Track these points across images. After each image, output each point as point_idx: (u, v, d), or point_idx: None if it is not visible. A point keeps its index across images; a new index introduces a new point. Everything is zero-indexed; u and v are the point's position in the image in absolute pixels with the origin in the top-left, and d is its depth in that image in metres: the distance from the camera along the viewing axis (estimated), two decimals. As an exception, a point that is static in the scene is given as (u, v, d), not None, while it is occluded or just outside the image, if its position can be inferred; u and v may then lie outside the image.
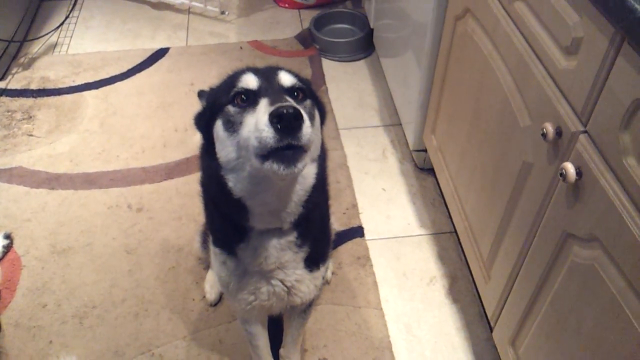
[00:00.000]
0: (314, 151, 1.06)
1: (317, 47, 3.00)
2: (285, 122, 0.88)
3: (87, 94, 2.75)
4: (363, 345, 1.78)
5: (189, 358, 1.76)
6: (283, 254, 1.17)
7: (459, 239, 1.96)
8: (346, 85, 2.81)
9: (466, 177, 1.77)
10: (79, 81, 2.82)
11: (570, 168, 1.08)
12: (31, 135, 2.53)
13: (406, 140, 2.40)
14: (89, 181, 2.32)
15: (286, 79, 1.04)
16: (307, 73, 2.85)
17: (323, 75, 2.85)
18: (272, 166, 0.91)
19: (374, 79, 2.85)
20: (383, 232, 2.13)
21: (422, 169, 2.36)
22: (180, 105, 2.67)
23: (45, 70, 2.89)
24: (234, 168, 1.02)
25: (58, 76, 2.85)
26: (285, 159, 0.90)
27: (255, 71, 1.05)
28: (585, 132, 1.09)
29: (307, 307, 1.52)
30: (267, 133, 0.88)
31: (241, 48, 3.03)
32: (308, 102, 1.06)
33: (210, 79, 2.81)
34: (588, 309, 1.10)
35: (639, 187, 0.93)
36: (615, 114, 0.98)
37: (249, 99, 1.00)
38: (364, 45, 2.99)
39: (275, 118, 0.88)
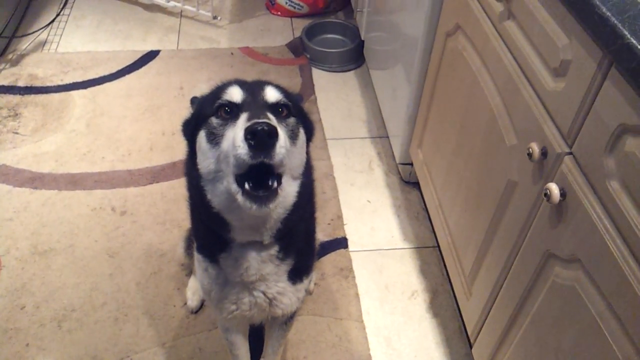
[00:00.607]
0: (296, 169, 1.05)
1: (308, 56, 3.01)
2: (259, 139, 0.88)
3: (74, 93, 2.73)
4: (343, 357, 1.78)
5: (167, 365, 1.74)
6: (264, 267, 1.17)
7: (441, 254, 1.97)
8: (335, 95, 2.82)
9: (451, 193, 1.78)
10: (67, 80, 2.80)
11: (554, 189, 1.09)
12: (16, 133, 2.50)
13: (393, 153, 2.41)
14: (74, 182, 2.29)
15: (271, 94, 1.03)
16: (297, 82, 2.85)
17: (313, 84, 2.86)
18: (245, 203, 0.93)
19: (363, 90, 2.86)
20: (367, 244, 2.13)
21: (407, 182, 2.36)
22: (168, 109, 2.66)
23: (34, 67, 2.86)
24: (212, 180, 1.03)
25: (46, 74, 2.82)
26: (258, 199, 0.92)
27: (242, 84, 1.05)
28: (571, 153, 1.10)
29: (289, 319, 1.51)
30: (241, 150, 0.89)
31: (232, 54, 3.02)
32: (291, 120, 1.05)
33: (200, 83, 2.80)
34: (568, 329, 1.11)
35: (622, 211, 0.94)
36: (601, 137, 0.99)
37: (232, 112, 1.00)
38: (355, 57, 3.00)
39: (250, 134, 0.88)
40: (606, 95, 0.98)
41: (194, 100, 1.16)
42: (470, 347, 1.64)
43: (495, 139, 1.41)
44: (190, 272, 1.95)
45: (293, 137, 1.04)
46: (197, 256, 1.30)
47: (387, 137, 2.51)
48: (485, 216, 1.49)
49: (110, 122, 2.58)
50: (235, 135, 0.91)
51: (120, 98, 2.71)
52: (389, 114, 2.46)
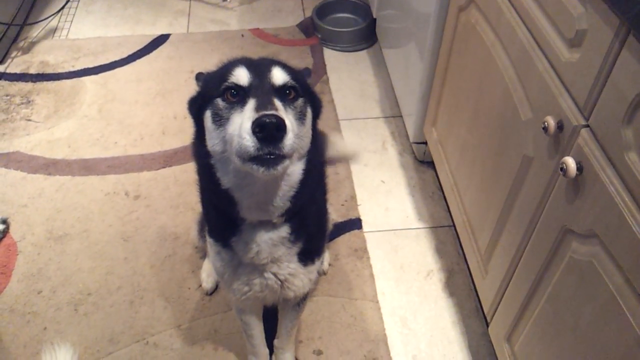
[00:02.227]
0: (302, 149, 1.04)
1: (319, 36, 2.97)
2: (267, 133, 0.87)
3: (86, 79, 2.73)
4: (358, 337, 1.77)
5: (183, 347, 1.75)
6: (275, 249, 1.17)
7: (457, 233, 1.95)
8: (347, 75, 2.78)
9: (466, 171, 1.76)
10: (79, 66, 2.80)
11: (571, 163, 1.07)
12: (29, 120, 2.51)
13: (406, 132, 2.38)
14: (87, 167, 2.30)
15: (278, 76, 1.01)
16: (308, 62, 2.82)
17: (324, 65, 2.83)
18: (251, 167, 0.92)
19: (375, 69, 2.82)
20: (381, 225, 2.12)
21: (421, 161, 2.34)
22: (179, 93, 2.65)
23: (45, 54, 2.86)
24: (220, 159, 1.02)
25: (57, 61, 2.83)
26: (265, 162, 0.91)
27: (249, 65, 1.02)
28: (587, 126, 1.07)
29: (301, 300, 1.51)
30: (248, 142, 0.89)
31: (242, 36, 3.00)
32: (299, 102, 1.04)
33: (211, 66, 2.76)
34: (585, 306, 1.09)
35: (640, 183, 0.91)
36: (618, 109, 0.96)
37: (239, 95, 0.98)
38: (367, 36, 2.96)
39: (258, 127, 0.87)
40: (623, 65, 0.95)
41: (199, 77, 1.14)
42: (487, 325, 1.62)
43: (510, 114, 1.38)
44: (204, 254, 1.95)
45: (301, 118, 1.03)
46: (209, 240, 1.30)
47: (401, 116, 2.48)
48: (501, 193, 1.46)
49: (122, 107, 2.58)
50: (242, 125, 0.91)
51: (131, 83, 2.71)
52: (402, 92, 2.42)
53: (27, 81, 2.70)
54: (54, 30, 3.04)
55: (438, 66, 1.95)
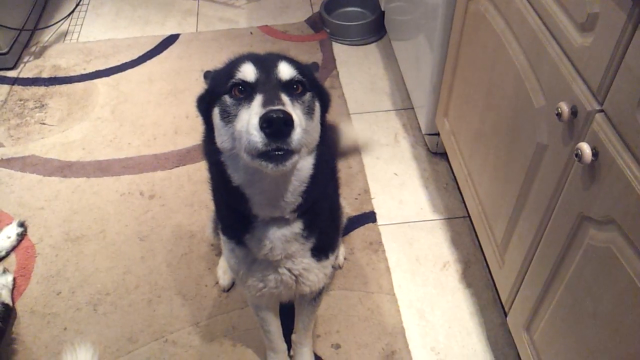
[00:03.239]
0: (310, 144, 1.04)
1: (328, 31, 2.97)
2: (275, 128, 0.87)
3: (98, 81, 2.75)
4: (376, 330, 1.77)
5: (202, 344, 1.76)
6: (289, 245, 1.17)
7: (472, 224, 1.94)
8: (357, 69, 2.78)
9: (479, 161, 1.75)
10: (90, 69, 2.82)
11: (586, 148, 1.06)
12: (43, 123, 2.54)
13: (418, 124, 2.37)
14: (101, 169, 2.32)
15: (285, 71, 1.01)
16: (317, 58, 2.82)
17: (334, 59, 2.82)
18: (260, 163, 0.92)
19: (385, 62, 2.81)
20: (395, 217, 2.11)
21: (434, 153, 2.33)
22: (191, 92, 2.65)
23: (57, 58, 2.89)
24: (231, 156, 1.02)
25: (69, 64, 2.85)
26: (274, 159, 0.91)
27: (255, 61, 1.02)
28: (602, 111, 1.05)
29: (317, 295, 1.51)
30: (256, 137, 0.88)
31: (251, 33, 3.00)
32: (307, 96, 1.03)
33: (221, 64, 2.78)
34: (605, 293, 1.08)
35: (658, 167, 0.90)
36: (633, 92, 0.95)
37: (246, 91, 0.98)
38: (375, 29, 2.95)
39: (265, 123, 0.87)
40: (637, 48, 0.93)
41: (207, 75, 1.14)
42: (505, 315, 1.62)
43: (523, 102, 1.37)
44: (220, 251, 1.96)
45: (309, 112, 1.02)
46: (222, 237, 1.30)
47: (412, 108, 2.47)
48: (516, 182, 1.45)
49: (134, 108, 2.60)
50: (249, 121, 0.91)
51: (143, 84, 2.72)
52: (413, 84, 2.41)
53: (40, 85, 2.72)
54: (64, 34, 3.06)
55: (448, 57, 1.94)
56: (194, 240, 2.04)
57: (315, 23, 3.03)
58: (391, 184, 2.23)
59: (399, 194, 2.19)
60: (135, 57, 2.88)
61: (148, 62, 2.85)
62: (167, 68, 2.81)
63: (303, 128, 0.93)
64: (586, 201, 1.11)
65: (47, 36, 3.03)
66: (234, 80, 0.99)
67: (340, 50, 2.89)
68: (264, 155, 0.91)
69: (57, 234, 2.08)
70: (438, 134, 2.22)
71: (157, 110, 2.58)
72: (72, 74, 2.79)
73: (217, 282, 1.90)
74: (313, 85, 1.06)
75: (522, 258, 1.45)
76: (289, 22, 3.09)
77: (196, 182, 2.24)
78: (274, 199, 1.07)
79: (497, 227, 1.64)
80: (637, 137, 0.95)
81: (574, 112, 1.12)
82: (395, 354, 1.71)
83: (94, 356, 1.68)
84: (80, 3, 3.23)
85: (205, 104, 1.07)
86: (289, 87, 1.00)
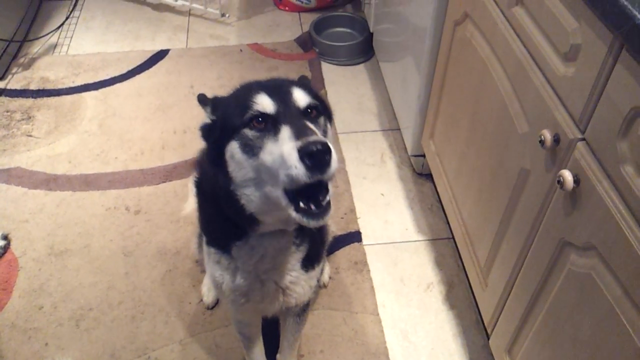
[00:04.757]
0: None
1: (317, 50, 3.00)
2: (316, 160, 0.88)
3: (86, 95, 2.74)
4: (359, 351, 1.77)
5: (184, 362, 1.75)
6: (280, 254, 1.18)
7: (456, 245, 1.96)
8: (345, 89, 2.80)
9: (464, 183, 1.77)
10: (79, 82, 2.81)
11: (567, 176, 1.08)
12: (30, 135, 2.52)
13: (405, 145, 2.39)
14: (87, 182, 2.31)
15: (301, 98, 1.01)
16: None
17: (322, 79, 2.85)
18: (300, 219, 0.94)
19: (373, 83, 2.84)
20: (381, 237, 2.12)
21: (420, 174, 2.35)
22: (179, 108, 2.66)
23: (45, 70, 2.88)
24: (247, 186, 1.02)
25: (58, 77, 2.84)
26: (312, 215, 0.93)
27: (268, 90, 1.01)
28: (584, 139, 1.08)
29: (302, 311, 1.52)
30: (299, 170, 0.88)
31: (241, 50, 3.02)
32: (321, 120, 1.04)
33: (210, 81, 2.81)
34: (585, 318, 1.10)
35: (637, 196, 0.92)
36: (614, 122, 0.97)
37: (267, 123, 0.98)
38: (364, 49, 2.98)
39: (306, 156, 0.87)
40: (618, 79, 0.96)
41: (203, 100, 1.12)
42: (488, 338, 1.63)
43: (507, 127, 1.39)
44: (204, 268, 1.94)
45: (324, 134, 1.04)
46: (207, 250, 1.29)
47: (399, 129, 2.50)
48: (499, 206, 1.47)
49: (122, 122, 2.60)
50: (284, 155, 0.90)
51: (131, 98, 2.73)
52: (399, 105, 2.44)
53: (27, 97, 2.71)
54: (54, 47, 3.06)
55: (435, 79, 1.97)
56: (179, 257, 2.04)
57: (305, 42, 3.06)
58: (377, 204, 2.25)
59: (384, 214, 2.21)
60: (124, 71, 2.89)
61: (137, 76, 2.86)
62: (156, 83, 2.81)
63: (337, 158, 0.93)
64: (567, 227, 1.13)
65: (36, 48, 3.03)
66: (252, 112, 0.98)
67: (328, 70, 2.92)
68: (302, 211, 0.93)
69: (41, 247, 2.07)
70: (424, 155, 2.24)
71: (145, 125, 2.58)
72: (61, 86, 2.79)
73: (201, 300, 1.89)
74: (323, 107, 1.07)
75: (504, 281, 1.46)
76: (278, 40, 3.12)
77: (182, 198, 2.23)
78: (285, 220, 1.07)
79: (480, 250, 1.65)
80: (616, 165, 0.97)
81: (556, 140, 1.14)
82: (378, 374, 1.72)
83: (74, 373, 1.68)
84: (71, 16, 3.23)
85: (216, 136, 1.05)
86: (306, 113, 1.01)
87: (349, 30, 3.11)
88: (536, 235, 1.27)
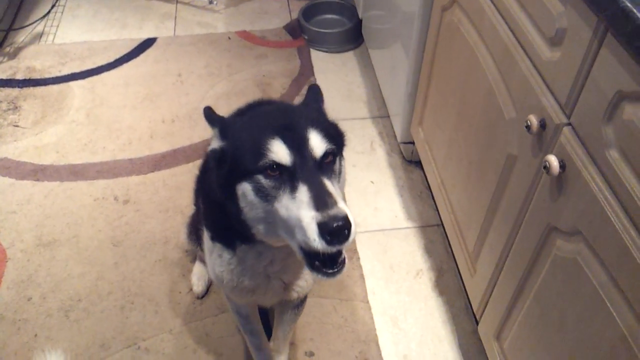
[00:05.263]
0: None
1: (306, 37, 2.98)
2: (336, 235, 0.88)
3: (73, 84, 2.72)
4: (349, 338, 1.78)
5: (175, 351, 1.75)
6: (289, 257, 1.16)
7: (445, 232, 1.96)
8: (335, 76, 2.79)
9: (452, 170, 1.77)
10: (66, 71, 2.79)
11: (553, 161, 1.08)
12: (17, 126, 2.50)
13: (394, 132, 2.39)
14: (75, 173, 2.29)
15: (317, 146, 0.98)
16: (295, 64, 2.83)
17: (312, 66, 2.83)
18: (316, 276, 0.97)
19: (362, 70, 2.83)
20: (370, 225, 2.12)
21: (409, 161, 2.35)
22: (167, 96, 2.64)
23: (32, 60, 2.85)
24: (260, 223, 1.02)
25: (44, 66, 2.81)
26: (328, 274, 0.95)
27: (284, 136, 0.97)
28: (569, 124, 1.08)
29: (301, 303, 1.52)
30: (317, 244, 0.89)
31: (229, 38, 3.00)
32: (337, 164, 1.02)
33: (198, 69, 2.79)
34: (571, 303, 1.10)
35: (622, 181, 0.92)
36: (599, 106, 0.97)
37: (282, 174, 0.96)
38: (353, 36, 2.97)
39: (327, 233, 0.88)
40: (603, 63, 0.96)
41: (210, 116, 1.08)
42: (477, 323, 1.63)
43: (494, 113, 1.39)
44: (194, 258, 1.95)
45: (339, 175, 1.03)
46: (209, 245, 1.26)
47: (388, 116, 2.49)
48: (487, 192, 1.47)
49: (109, 111, 2.57)
50: (305, 225, 0.90)
51: (118, 87, 2.70)
52: (389, 93, 2.43)
53: (13, 87, 2.69)
54: (40, 35, 3.03)
55: (423, 66, 1.96)
56: (168, 247, 2.03)
57: (294, 29, 3.04)
58: (367, 192, 2.25)
59: (374, 202, 2.21)
60: (111, 60, 2.86)
61: (124, 65, 2.83)
62: (143, 72, 2.79)
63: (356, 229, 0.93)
64: (554, 212, 1.13)
65: (22, 37, 2.99)
66: (267, 161, 0.95)
67: (318, 57, 2.90)
68: (317, 269, 0.95)
69: (29, 238, 2.05)
70: (413, 143, 2.24)
71: (133, 114, 2.56)
72: (47, 75, 2.76)
73: (191, 289, 1.89)
74: (337, 140, 1.05)
75: (492, 267, 1.47)
76: (267, 28, 3.09)
77: (171, 188, 2.23)
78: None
79: (469, 236, 1.66)
80: (602, 150, 0.97)
81: (542, 125, 1.14)
82: (368, 361, 1.73)
83: (64, 363, 1.67)
84: (57, 4, 3.19)
85: (226, 169, 1.03)
86: (322, 163, 0.98)
87: (338, 17, 3.09)
88: (523, 221, 1.27)
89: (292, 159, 0.95)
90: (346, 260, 0.97)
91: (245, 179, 0.98)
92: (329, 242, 0.88)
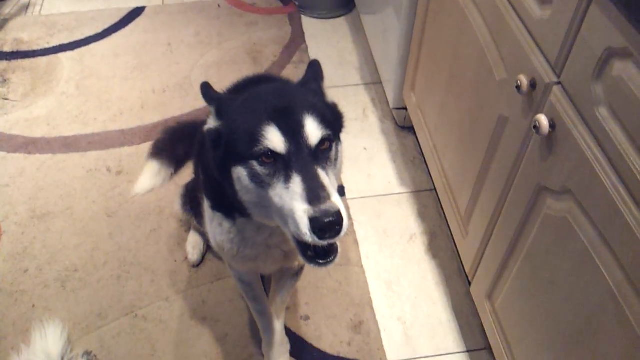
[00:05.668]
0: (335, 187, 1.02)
1: (297, 3, 2.94)
2: (327, 231, 0.89)
3: (62, 55, 2.69)
4: (344, 301, 1.80)
5: (172, 319, 1.77)
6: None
7: (438, 197, 1.97)
8: (326, 43, 2.76)
9: (444, 134, 1.77)
10: (54, 43, 2.75)
11: (543, 120, 1.08)
12: (6, 99, 2.48)
13: (386, 98, 2.38)
14: (67, 145, 2.28)
15: (313, 133, 0.96)
16: (286, 31, 2.80)
17: (303, 33, 2.80)
18: (309, 264, 0.99)
19: (354, 36, 2.80)
20: (364, 191, 2.13)
21: (402, 127, 2.34)
22: (157, 66, 2.62)
23: (19, 31, 2.81)
24: (255, 206, 1.03)
25: (32, 38, 2.78)
26: (321, 263, 0.98)
27: (279, 122, 0.96)
28: (559, 83, 1.08)
29: (300, 270, 1.53)
30: (309, 238, 0.90)
31: (219, 6, 2.96)
32: (333, 151, 1.01)
33: (188, 38, 2.75)
34: (561, 261, 1.12)
35: (611, 138, 0.93)
36: (588, 64, 0.97)
37: (277, 162, 0.95)
38: (344, 2, 2.93)
39: (318, 229, 0.89)
40: (592, 20, 0.95)
41: (207, 91, 1.08)
42: (469, 285, 1.66)
43: (485, 75, 1.39)
44: (189, 227, 1.96)
45: (335, 162, 1.03)
46: (209, 212, 1.26)
47: (381, 82, 2.48)
48: (478, 154, 1.48)
49: (99, 82, 2.55)
50: (298, 218, 0.90)
51: (108, 58, 2.67)
52: (381, 58, 2.42)
53: (1, 59, 2.65)
54: (26, 7, 2.98)
55: (415, 30, 1.94)
56: (163, 216, 2.04)
57: (284, -4, 3.00)
58: (360, 159, 2.25)
59: (367, 168, 2.21)
60: (99, 30, 2.82)
61: (113, 35, 2.80)
62: (132, 42, 2.76)
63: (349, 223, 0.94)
64: (544, 172, 1.14)
65: (8, 9, 2.94)
66: (261, 148, 0.95)
67: (309, 24, 2.87)
68: (310, 257, 0.97)
69: (23, 211, 2.05)
70: (406, 109, 2.23)
71: (123, 84, 2.54)
72: (35, 47, 2.72)
73: (186, 258, 1.90)
74: (333, 124, 1.04)
75: (484, 229, 1.48)
76: (257, -6, 3.05)
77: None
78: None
79: (461, 199, 1.67)
80: (591, 108, 0.97)
81: (532, 85, 1.14)
82: (363, 324, 1.75)
83: (63, 333, 1.69)
84: (42, -25, 3.13)
85: (221, 151, 1.03)
86: (317, 150, 0.97)
87: (329, -18, 3.05)
88: (514, 182, 1.28)
89: (286, 147, 0.95)
90: (339, 249, 0.98)
91: (241, 163, 0.98)
92: (320, 237, 0.89)
